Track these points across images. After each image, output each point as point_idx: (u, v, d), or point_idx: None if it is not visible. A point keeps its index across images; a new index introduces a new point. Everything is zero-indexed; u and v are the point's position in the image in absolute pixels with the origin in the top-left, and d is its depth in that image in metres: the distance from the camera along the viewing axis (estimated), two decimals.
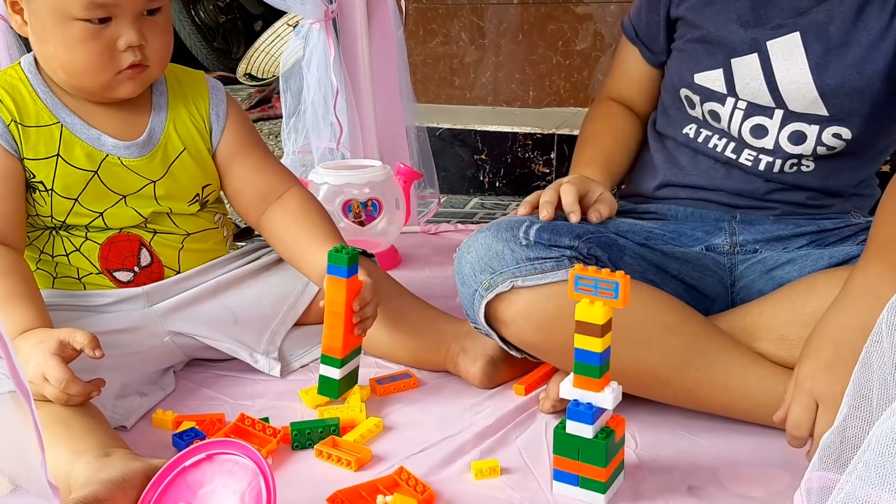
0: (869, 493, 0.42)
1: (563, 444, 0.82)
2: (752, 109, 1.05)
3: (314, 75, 1.62)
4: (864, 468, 0.42)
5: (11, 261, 0.96)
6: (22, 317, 0.90)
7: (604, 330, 0.78)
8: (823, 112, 1.01)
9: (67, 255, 1.06)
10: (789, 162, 1.06)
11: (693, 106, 1.10)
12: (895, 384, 0.45)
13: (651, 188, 1.14)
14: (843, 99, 1.00)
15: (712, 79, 1.06)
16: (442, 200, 2.04)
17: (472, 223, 1.94)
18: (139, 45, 0.98)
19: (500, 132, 2.20)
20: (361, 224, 1.54)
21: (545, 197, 0.99)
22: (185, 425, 0.96)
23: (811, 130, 1.03)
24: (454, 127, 2.24)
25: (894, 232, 0.84)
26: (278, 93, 2.90)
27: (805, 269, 0.99)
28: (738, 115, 1.06)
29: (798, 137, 1.04)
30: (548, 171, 2.17)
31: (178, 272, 1.12)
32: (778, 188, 1.07)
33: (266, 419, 0.97)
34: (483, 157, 2.23)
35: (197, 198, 1.12)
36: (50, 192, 1.02)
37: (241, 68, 3.22)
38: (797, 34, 1.01)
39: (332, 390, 1.01)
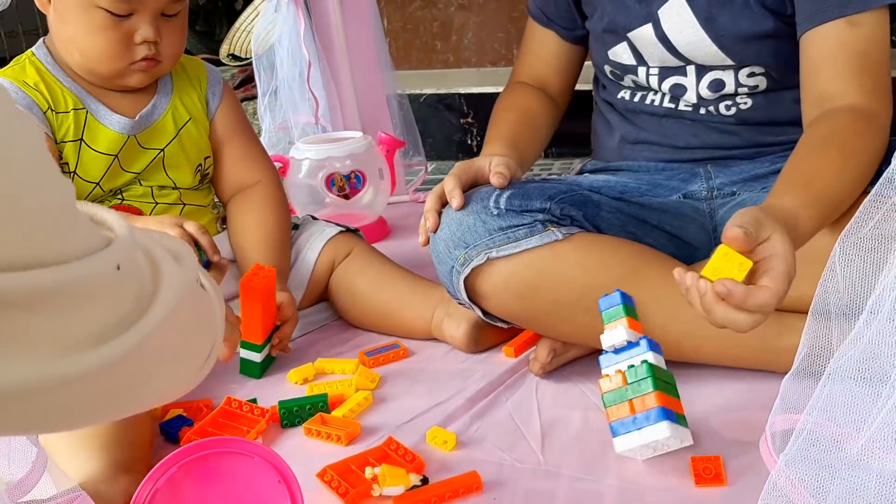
0: (832, 428, 0.41)
1: (667, 381, 0.78)
2: (666, 72, 1.06)
3: (286, 49, 1.60)
4: (825, 402, 0.41)
5: None
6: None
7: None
8: (729, 62, 1.02)
9: None
10: (722, 105, 1.05)
11: (619, 78, 1.11)
12: (852, 316, 0.43)
13: (614, 145, 1.14)
14: (741, 45, 1.00)
15: (620, 53, 1.08)
16: (430, 167, 2.01)
17: None
18: (154, 41, 1.02)
19: (485, 93, 2.16)
20: (346, 197, 1.52)
21: (446, 186, 0.97)
22: (172, 413, 0.95)
23: (726, 75, 1.03)
24: (438, 92, 2.21)
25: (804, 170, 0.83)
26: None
27: None
28: (654, 79, 1.07)
29: (717, 85, 1.04)
30: None
31: None
32: (728, 131, 1.06)
33: (254, 400, 0.96)
34: (469, 120, 2.19)
35: (199, 168, 1.16)
36: (73, 175, 1.05)
37: (224, 49, 3.17)
38: None
39: (255, 371, 1.05)
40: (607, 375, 0.78)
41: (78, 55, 1.03)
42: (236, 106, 1.20)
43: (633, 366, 0.77)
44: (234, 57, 3.17)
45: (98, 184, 1.07)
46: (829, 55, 0.91)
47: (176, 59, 1.09)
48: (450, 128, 2.22)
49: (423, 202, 1.79)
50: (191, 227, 1.00)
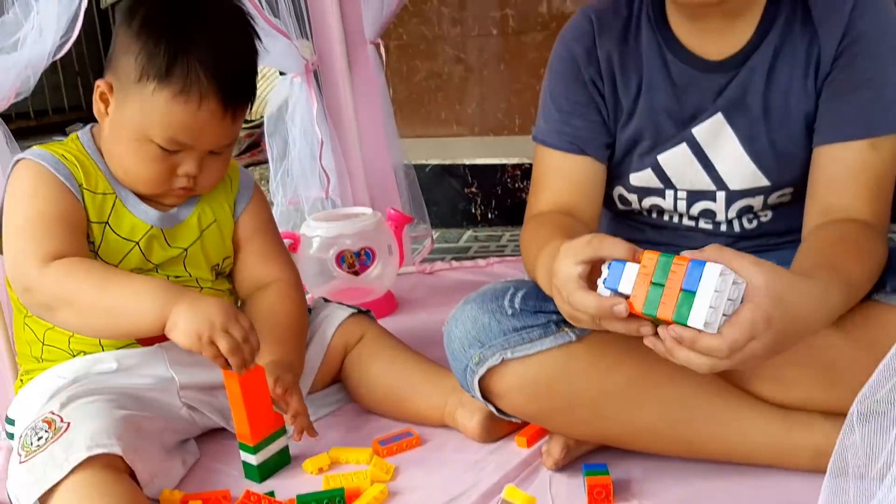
0: None
1: None
2: (695, 196, 1.05)
3: (299, 127, 1.64)
4: None
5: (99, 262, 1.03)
6: (160, 279, 1.01)
7: None
8: (765, 182, 1.01)
9: None
10: (745, 218, 1.06)
11: (636, 201, 1.09)
12: (869, 478, 0.45)
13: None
14: (779, 165, 1.00)
15: (644, 178, 1.06)
16: (435, 236, 2.05)
17: (466, 259, 1.95)
18: (195, 175, 1.06)
19: (488, 164, 2.21)
20: (356, 274, 1.55)
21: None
22: None
23: (757, 201, 1.04)
24: (443, 162, 2.25)
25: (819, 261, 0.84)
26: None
27: None
28: (682, 203, 1.06)
29: (747, 209, 1.05)
30: None
31: None
32: (745, 241, 1.07)
33: (272, 493, 0.97)
34: (473, 189, 2.24)
35: (216, 267, 1.17)
36: (95, 255, 1.06)
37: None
38: (720, 115, 1.00)
39: (254, 474, 1.02)
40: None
41: (121, 171, 1.07)
42: (264, 207, 1.23)
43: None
44: None
45: (117, 266, 1.08)
46: (848, 173, 0.92)
47: (212, 187, 1.13)
48: (454, 196, 2.26)
49: (430, 273, 1.84)
50: (225, 343, 0.93)
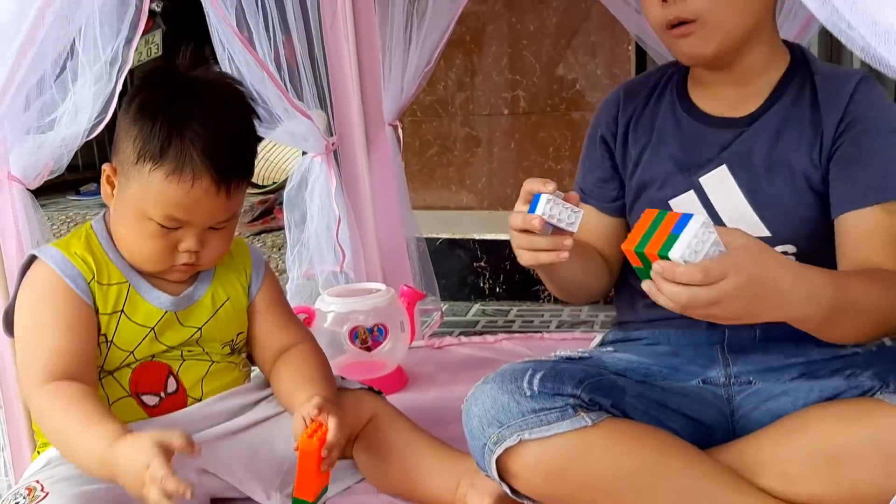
0: None
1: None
2: None
3: (317, 205, 1.69)
4: None
5: (87, 390, 1.04)
6: (111, 428, 0.97)
7: None
8: (766, 233, 1.07)
9: (101, 381, 1.11)
10: None
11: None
12: None
13: (637, 312, 1.18)
14: (781, 217, 1.07)
15: None
16: (444, 308, 2.08)
17: (475, 333, 1.98)
18: (196, 251, 1.09)
19: (498, 240, 2.26)
20: (368, 349, 1.58)
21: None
22: None
23: None
24: (453, 236, 2.31)
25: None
26: (280, 203, 2.99)
27: (798, 401, 1.02)
28: None
29: None
30: None
31: (201, 400, 1.17)
32: None
33: None
34: (482, 264, 2.29)
35: (230, 343, 1.20)
36: (109, 343, 1.10)
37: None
38: (724, 167, 1.09)
39: None
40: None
41: (125, 251, 1.11)
42: (275, 282, 1.27)
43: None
44: (252, 184, 3.31)
45: (132, 352, 1.11)
46: (869, 235, 1.00)
47: (216, 261, 1.15)
48: (464, 270, 2.31)
49: (439, 348, 1.86)
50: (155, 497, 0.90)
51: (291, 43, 1.64)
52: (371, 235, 1.80)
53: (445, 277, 2.24)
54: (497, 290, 2.29)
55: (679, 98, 1.16)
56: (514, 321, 2.16)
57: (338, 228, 1.67)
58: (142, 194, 1.05)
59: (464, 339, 1.89)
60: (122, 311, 1.10)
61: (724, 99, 1.12)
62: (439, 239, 2.30)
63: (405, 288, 1.70)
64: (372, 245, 1.81)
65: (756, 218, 1.07)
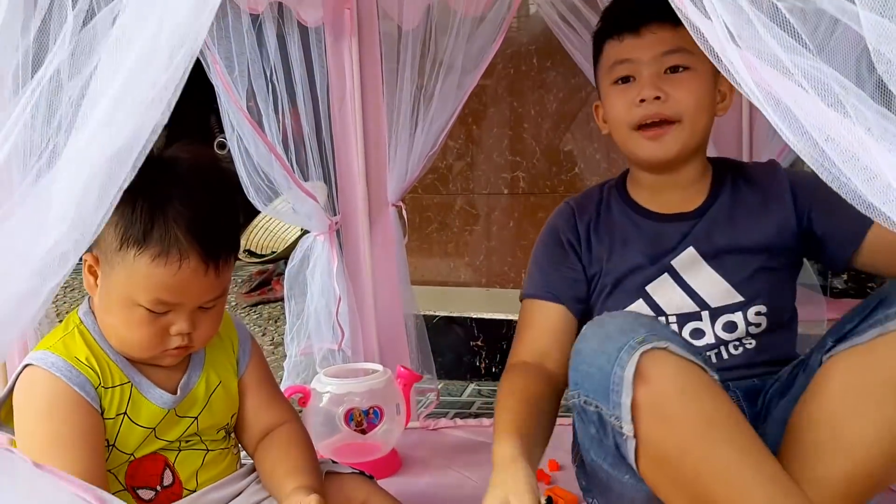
0: None
1: None
2: (683, 318, 1.19)
3: (318, 283, 1.70)
4: None
5: None
6: None
7: None
8: (739, 298, 1.17)
9: None
10: (731, 344, 1.18)
11: None
12: None
13: None
14: (750, 283, 1.17)
15: (637, 308, 1.20)
16: (439, 387, 2.07)
17: (470, 415, 1.96)
18: (188, 332, 1.06)
19: (494, 319, 2.27)
20: (363, 432, 1.57)
21: None
22: None
23: (737, 317, 1.17)
24: (451, 314, 2.31)
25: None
26: (278, 275, 3.01)
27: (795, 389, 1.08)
28: (675, 326, 1.19)
29: (730, 326, 1.17)
30: None
31: (195, 491, 1.14)
32: (733, 374, 1.16)
33: None
34: (479, 343, 2.28)
35: (226, 427, 1.19)
36: (111, 447, 1.06)
37: (241, 244, 3.33)
38: (691, 248, 1.19)
39: None
40: None
41: (115, 341, 1.07)
42: (263, 360, 1.25)
43: None
44: (251, 253, 3.33)
45: (132, 454, 1.08)
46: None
47: (207, 341, 1.12)
48: (460, 348, 2.30)
49: (434, 430, 1.85)
50: None
51: (298, 119, 1.67)
52: (370, 315, 1.80)
53: (441, 355, 2.24)
54: (493, 369, 2.28)
55: (627, 203, 1.26)
56: None
57: (338, 307, 1.68)
58: (127, 280, 1.01)
59: (459, 421, 1.87)
60: (126, 413, 1.07)
61: (669, 200, 1.23)
62: (436, 316, 2.30)
63: (402, 369, 1.69)
64: (370, 324, 1.81)
65: (727, 286, 1.17)
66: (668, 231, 1.22)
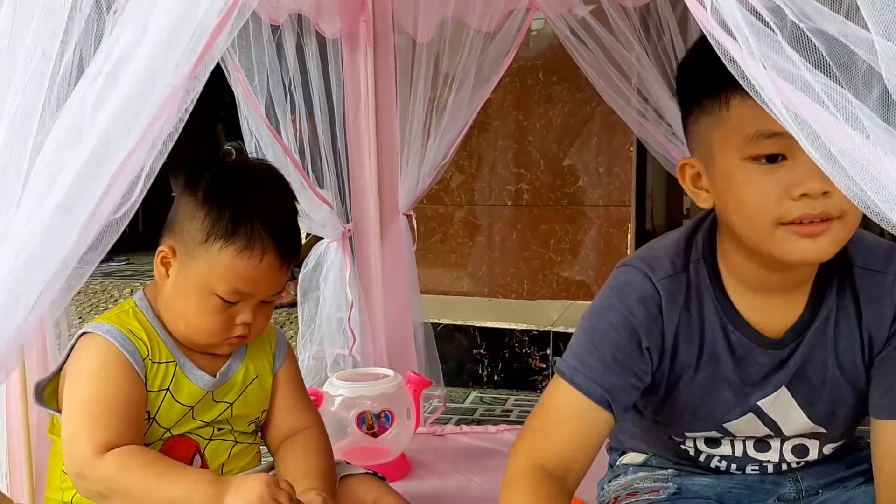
0: None
1: None
2: (751, 439, 1.10)
3: (331, 289, 1.74)
4: None
5: (152, 451, 1.10)
6: (204, 473, 1.09)
7: None
8: (822, 430, 1.07)
9: None
10: (794, 463, 1.11)
11: (686, 440, 1.13)
12: None
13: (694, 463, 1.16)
14: (835, 419, 1.06)
15: (705, 433, 1.10)
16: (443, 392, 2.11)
17: (473, 421, 2.00)
18: (251, 322, 1.16)
19: (497, 328, 2.31)
20: (374, 435, 1.60)
21: None
22: None
23: (812, 444, 1.09)
24: (454, 322, 2.35)
25: None
26: (288, 280, 3.02)
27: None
28: (739, 445, 1.10)
29: (801, 450, 1.10)
30: (544, 366, 2.27)
31: None
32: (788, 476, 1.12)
33: None
34: (482, 351, 2.32)
35: (256, 420, 1.25)
36: (151, 420, 1.12)
37: None
38: (784, 388, 1.03)
39: None
40: None
41: (183, 326, 1.15)
42: (296, 364, 1.31)
43: None
44: None
45: (169, 429, 1.14)
46: None
47: (260, 334, 1.22)
48: (464, 356, 2.34)
49: (440, 435, 1.88)
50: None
51: (314, 128, 1.72)
52: (380, 320, 1.84)
53: (444, 362, 2.27)
54: (495, 377, 2.32)
55: (723, 307, 1.02)
56: (511, 410, 2.18)
57: (350, 313, 1.71)
58: (209, 271, 1.11)
59: (465, 427, 1.90)
60: (168, 389, 1.14)
61: (772, 307, 1.01)
62: (440, 324, 2.34)
63: (412, 375, 1.72)
64: (380, 330, 1.84)
65: (812, 423, 1.05)
66: (761, 357, 1.02)
